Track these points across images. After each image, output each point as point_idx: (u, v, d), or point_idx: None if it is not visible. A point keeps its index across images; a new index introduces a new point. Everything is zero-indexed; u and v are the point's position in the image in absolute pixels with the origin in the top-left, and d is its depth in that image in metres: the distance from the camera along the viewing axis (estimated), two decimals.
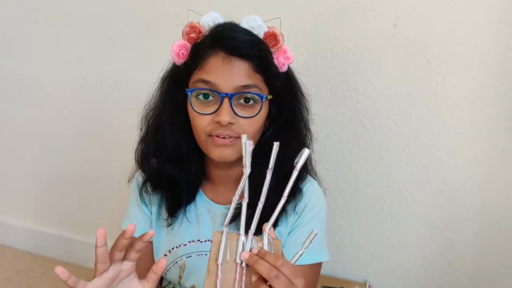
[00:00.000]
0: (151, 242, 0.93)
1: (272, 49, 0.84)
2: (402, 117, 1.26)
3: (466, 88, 1.18)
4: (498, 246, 1.23)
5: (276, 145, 0.60)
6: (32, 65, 1.74)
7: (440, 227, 1.28)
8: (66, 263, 1.78)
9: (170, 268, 0.91)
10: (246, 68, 0.80)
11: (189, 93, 0.82)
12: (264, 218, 0.62)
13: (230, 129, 0.80)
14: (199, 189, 0.92)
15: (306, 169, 0.92)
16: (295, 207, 0.86)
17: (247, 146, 0.60)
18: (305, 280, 0.83)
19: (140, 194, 0.93)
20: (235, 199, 0.62)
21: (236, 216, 0.67)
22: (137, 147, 0.93)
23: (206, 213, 0.91)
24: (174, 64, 0.87)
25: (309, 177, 0.92)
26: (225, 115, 0.78)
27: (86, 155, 1.72)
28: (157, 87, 0.91)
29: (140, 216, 0.93)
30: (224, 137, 0.81)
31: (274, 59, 0.84)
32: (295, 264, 0.63)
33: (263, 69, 0.81)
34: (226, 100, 0.79)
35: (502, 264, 1.23)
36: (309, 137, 0.92)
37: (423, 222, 1.29)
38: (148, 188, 0.92)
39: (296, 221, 0.87)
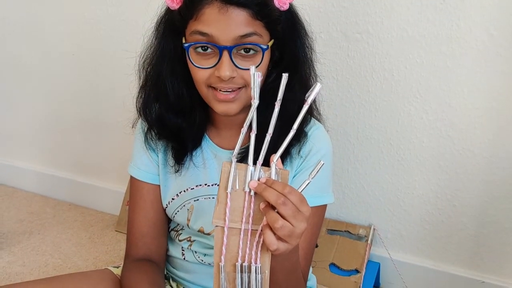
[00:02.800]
0: (159, 186, 0.93)
1: None
2: (413, 60, 1.22)
3: (482, 30, 1.14)
4: (504, 192, 1.23)
5: (285, 76, 0.59)
6: (33, 5, 1.69)
7: (447, 172, 1.27)
8: (76, 205, 1.83)
9: (178, 211, 0.92)
10: (245, 16, 0.76)
11: (187, 48, 0.79)
12: (271, 151, 0.62)
13: (232, 82, 0.78)
14: (205, 134, 0.92)
15: (311, 112, 0.90)
16: (299, 151, 0.86)
17: (256, 78, 0.59)
18: (310, 222, 0.84)
19: (146, 139, 0.92)
20: (243, 131, 0.62)
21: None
22: (138, 95, 0.90)
23: (213, 158, 0.91)
24: (167, 9, 0.83)
25: (314, 121, 0.91)
26: (225, 70, 0.76)
27: (90, 99, 1.71)
28: (152, 33, 0.87)
29: (147, 160, 0.93)
30: (226, 92, 0.79)
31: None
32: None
33: (263, 15, 0.77)
34: (225, 53, 0.76)
35: (506, 209, 1.24)
36: (314, 77, 0.89)
37: (430, 168, 1.29)
38: (153, 135, 0.91)
39: (301, 165, 0.86)
